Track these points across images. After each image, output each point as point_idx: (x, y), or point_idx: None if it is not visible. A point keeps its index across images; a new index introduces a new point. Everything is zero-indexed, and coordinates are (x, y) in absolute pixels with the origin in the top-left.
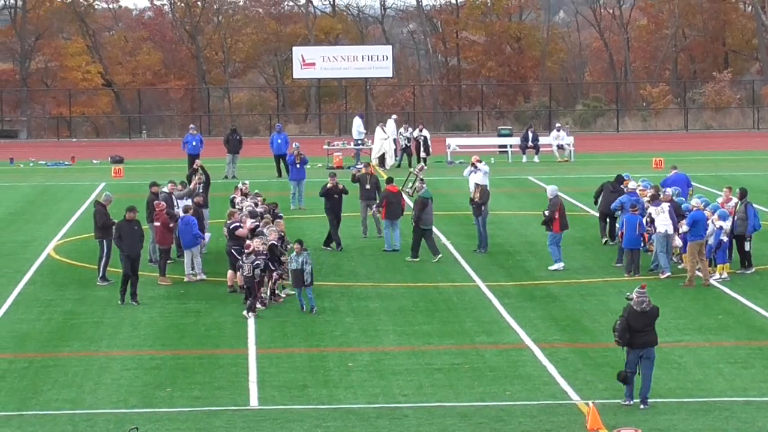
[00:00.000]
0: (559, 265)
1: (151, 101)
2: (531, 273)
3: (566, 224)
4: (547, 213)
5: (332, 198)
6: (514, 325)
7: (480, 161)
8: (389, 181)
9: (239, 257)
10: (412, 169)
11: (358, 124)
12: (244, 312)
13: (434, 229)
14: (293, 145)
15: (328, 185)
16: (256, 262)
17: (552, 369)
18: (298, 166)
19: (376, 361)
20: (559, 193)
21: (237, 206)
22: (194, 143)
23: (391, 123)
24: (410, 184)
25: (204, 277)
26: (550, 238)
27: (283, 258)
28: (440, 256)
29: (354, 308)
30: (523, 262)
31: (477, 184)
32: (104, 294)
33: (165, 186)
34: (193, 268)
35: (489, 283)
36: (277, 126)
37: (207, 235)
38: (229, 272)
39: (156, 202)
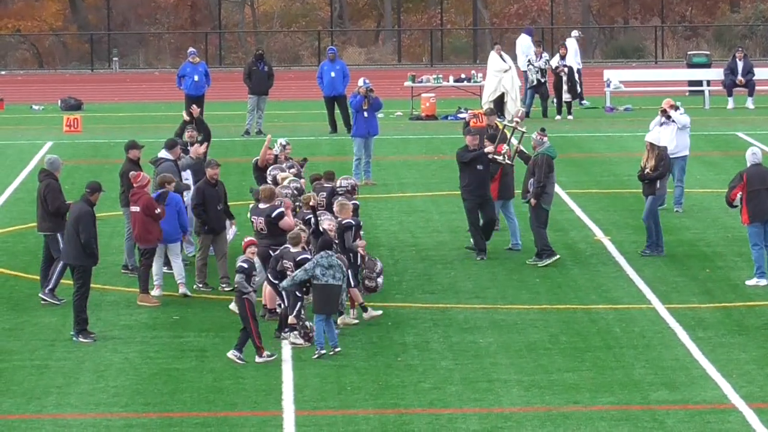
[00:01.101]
0: (761, 281)
1: (126, 11)
2: (741, 289)
3: (764, 211)
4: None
5: (475, 169)
6: (712, 372)
7: (676, 107)
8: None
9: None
10: (506, 121)
11: (526, 46)
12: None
13: (584, 217)
14: (360, 81)
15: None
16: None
17: None
18: (366, 113)
19: (490, 431)
20: None
21: (279, 181)
22: (196, 78)
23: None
24: (506, 145)
25: (185, 291)
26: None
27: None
28: (557, 258)
29: (454, 345)
30: (729, 271)
31: (653, 146)
32: (52, 321)
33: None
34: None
35: (673, 305)
36: (330, 50)
37: (232, 230)
38: (265, 287)
39: (133, 173)
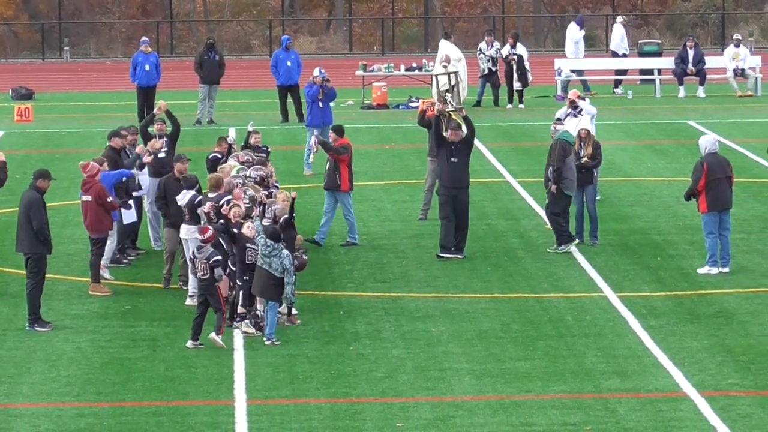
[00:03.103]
0: (712, 269)
1: (77, 0)
2: (692, 277)
3: (725, 200)
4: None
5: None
6: (664, 360)
7: (582, 98)
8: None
9: (229, 250)
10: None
11: (573, 33)
12: (212, 334)
13: (535, 206)
14: (316, 71)
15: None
16: (214, 258)
17: None
18: (321, 103)
19: (442, 420)
20: (736, 148)
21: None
22: (147, 67)
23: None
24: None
25: (108, 276)
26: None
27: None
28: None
29: (405, 333)
30: (681, 260)
31: (588, 134)
32: (3, 311)
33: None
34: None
35: (624, 293)
36: (284, 40)
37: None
38: None
39: (82, 163)
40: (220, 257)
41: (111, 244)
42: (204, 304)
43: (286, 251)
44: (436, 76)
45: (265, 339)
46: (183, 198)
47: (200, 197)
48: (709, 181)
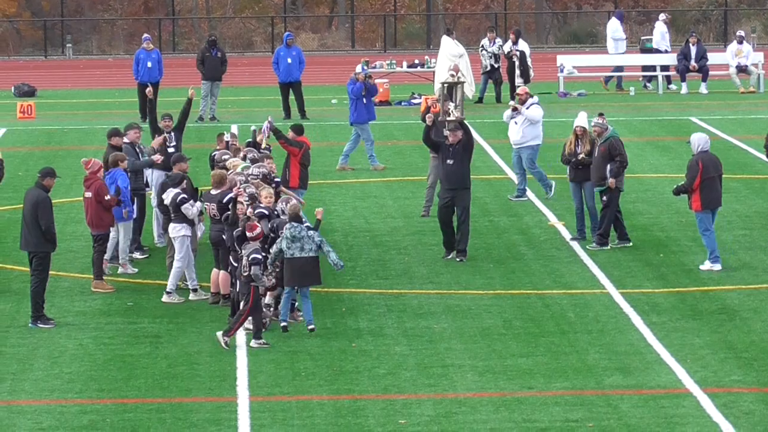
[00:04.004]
0: (715, 265)
1: None
2: (695, 273)
3: (718, 198)
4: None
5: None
6: (666, 357)
7: (530, 95)
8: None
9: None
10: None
11: (614, 29)
12: (253, 342)
13: (537, 202)
14: (358, 68)
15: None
16: (253, 255)
17: (729, 429)
18: (365, 99)
19: (444, 417)
20: (739, 144)
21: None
22: (149, 64)
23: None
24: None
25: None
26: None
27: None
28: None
29: (408, 330)
30: (683, 256)
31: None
32: (6, 308)
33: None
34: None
35: (627, 290)
36: (288, 36)
37: (200, 226)
38: (214, 272)
39: (85, 159)
40: (260, 255)
41: (124, 243)
42: (246, 302)
43: (310, 230)
44: (443, 83)
45: (308, 326)
46: (167, 196)
47: (184, 195)
48: (704, 179)
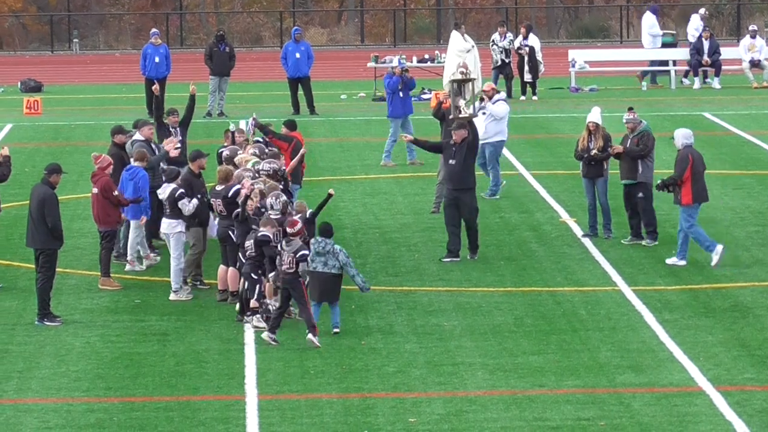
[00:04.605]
0: (715, 255)
1: None
2: (707, 271)
3: (706, 192)
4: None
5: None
6: (679, 355)
7: (496, 91)
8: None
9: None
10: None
11: (651, 24)
12: (265, 335)
13: (549, 199)
14: (395, 62)
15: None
16: (301, 252)
17: (742, 427)
18: (401, 93)
19: (455, 415)
20: (752, 139)
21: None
22: (156, 59)
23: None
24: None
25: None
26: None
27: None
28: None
29: (418, 328)
30: (695, 253)
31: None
32: (12, 305)
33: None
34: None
35: (639, 287)
36: (296, 31)
37: (214, 224)
38: (221, 269)
39: (95, 154)
40: (307, 252)
41: (133, 240)
42: (287, 298)
43: (337, 246)
44: (452, 81)
45: (333, 328)
46: (164, 191)
47: (182, 190)
48: (695, 173)
